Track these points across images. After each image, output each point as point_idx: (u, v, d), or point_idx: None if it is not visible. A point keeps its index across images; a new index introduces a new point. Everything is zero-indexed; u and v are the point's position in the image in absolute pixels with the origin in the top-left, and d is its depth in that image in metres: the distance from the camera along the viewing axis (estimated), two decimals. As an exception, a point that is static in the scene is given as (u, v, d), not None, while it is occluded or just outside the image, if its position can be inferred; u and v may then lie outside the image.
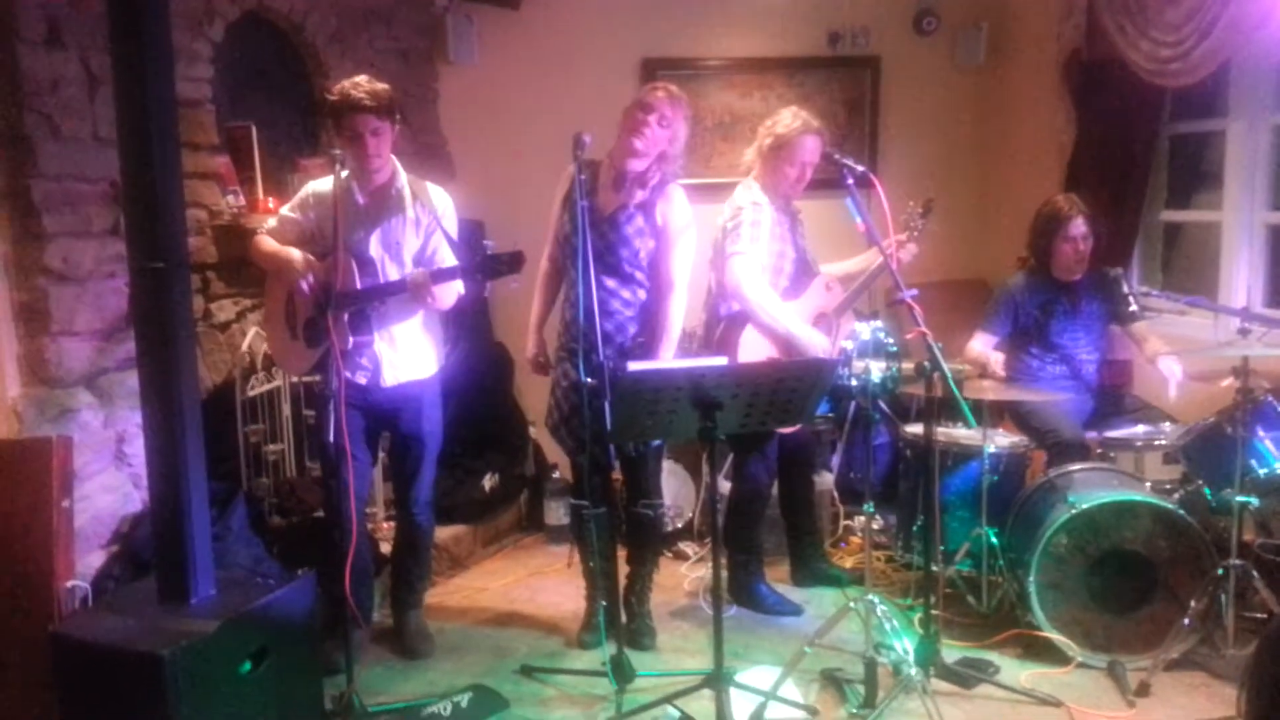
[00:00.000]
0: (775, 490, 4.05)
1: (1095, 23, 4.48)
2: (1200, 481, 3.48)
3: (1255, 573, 3.24)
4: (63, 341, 3.10)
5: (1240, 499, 3.23)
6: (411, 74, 4.89)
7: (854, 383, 3.39)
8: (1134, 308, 3.84)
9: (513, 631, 3.74)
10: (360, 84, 3.23)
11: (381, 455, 3.85)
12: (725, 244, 3.66)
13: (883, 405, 3.90)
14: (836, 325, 3.78)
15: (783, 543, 4.18)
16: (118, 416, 3.26)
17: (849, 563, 4.28)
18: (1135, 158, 4.51)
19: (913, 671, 3.06)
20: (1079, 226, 4.00)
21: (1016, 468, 3.82)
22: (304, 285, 3.26)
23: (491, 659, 3.51)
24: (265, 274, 3.51)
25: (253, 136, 3.84)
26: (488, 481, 4.52)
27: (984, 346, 4.04)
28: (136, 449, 3.21)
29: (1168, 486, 3.61)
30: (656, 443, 3.56)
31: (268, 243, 3.39)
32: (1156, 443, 3.72)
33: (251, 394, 3.86)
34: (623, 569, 3.63)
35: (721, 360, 3.41)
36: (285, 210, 3.47)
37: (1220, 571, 3.21)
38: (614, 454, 3.46)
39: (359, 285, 3.25)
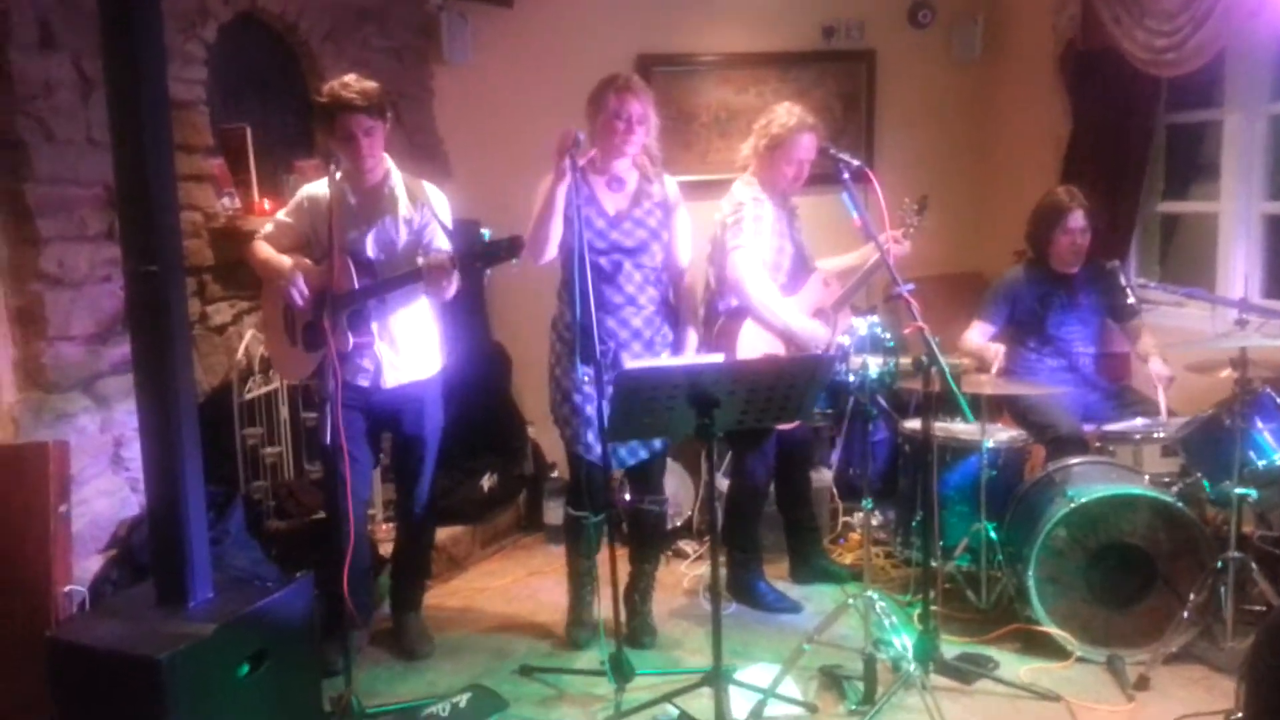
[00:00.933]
0: (773, 487, 4.05)
1: (1090, 13, 4.48)
2: (1199, 474, 3.47)
3: (1254, 565, 3.23)
4: (59, 346, 3.10)
5: (1239, 491, 3.22)
6: (406, 73, 4.88)
7: (852, 378, 3.38)
8: (1131, 300, 3.83)
9: (512, 632, 3.73)
10: (349, 84, 3.21)
11: (381, 456, 3.85)
12: (726, 239, 3.66)
13: (881, 401, 3.89)
14: (834, 321, 3.77)
15: (782, 540, 4.18)
16: (115, 420, 3.26)
17: (848, 559, 4.28)
18: (1132, 149, 4.51)
19: (912, 667, 3.06)
20: (1078, 219, 4.00)
21: (1015, 462, 3.82)
22: (295, 296, 3.25)
23: (490, 659, 3.51)
24: (262, 278, 3.51)
25: (247, 138, 3.84)
26: (486, 482, 4.52)
27: (981, 337, 4.05)
28: (134, 453, 3.21)
29: (1166, 480, 3.60)
30: (659, 442, 3.55)
31: (263, 249, 3.39)
32: (1155, 436, 3.72)
33: (249, 396, 3.86)
34: (622, 567, 3.62)
35: (719, 357, 3.40)
36: (281, 215, 3.47)
37: (1219, 564, 3.21)
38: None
39: (356, 286, 3.24)
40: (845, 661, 3.29)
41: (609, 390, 3.24)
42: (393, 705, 3.14)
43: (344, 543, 3.02)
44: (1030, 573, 3.32)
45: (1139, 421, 3.82)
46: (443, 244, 3.31)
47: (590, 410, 3.33)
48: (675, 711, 3.00)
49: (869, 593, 3.19)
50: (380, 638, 3.61)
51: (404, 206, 3.37)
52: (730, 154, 3.94)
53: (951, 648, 3.37)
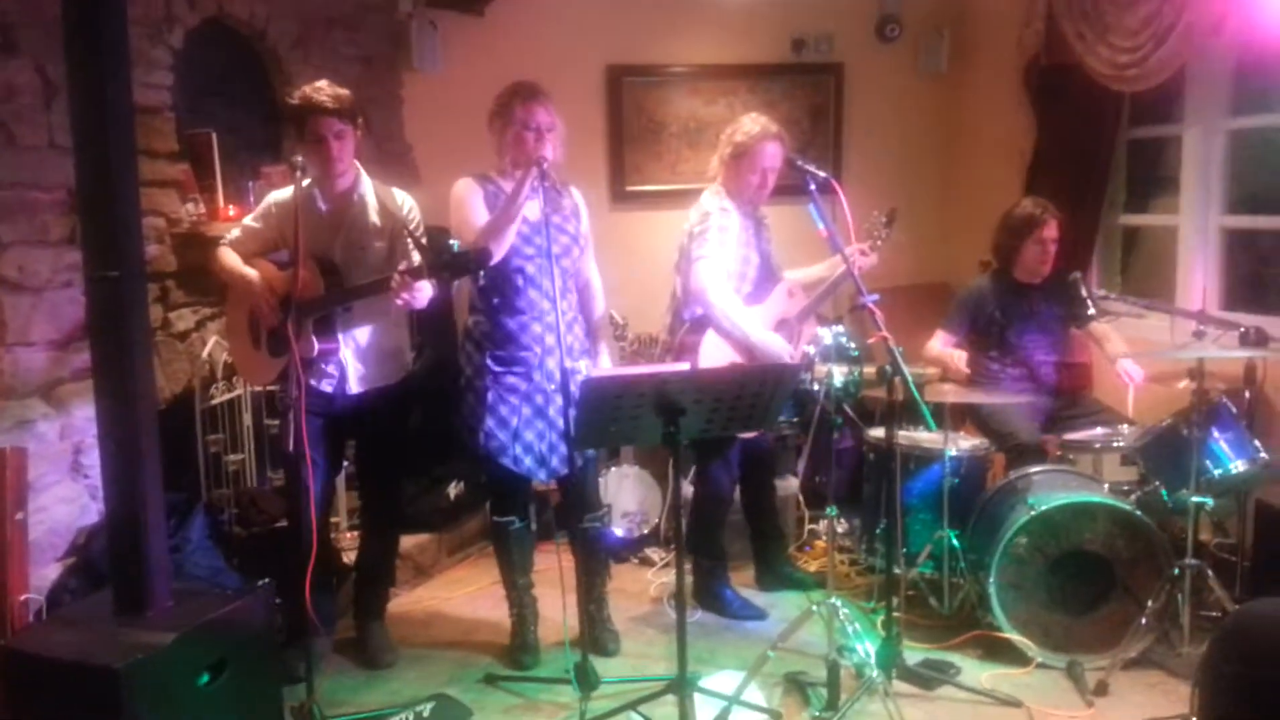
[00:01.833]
0: (740, 495, 4.06)
1: (1055, 29, 4.55)
2: (1157, 483, 3.52)
3: (1210, 572, 3.28)
4: (18, 352, 3.06)
5: (1196, 500, 3.28)
6: (375, 81, 4.87)
7: (816, 387, 3.40)
8: (1091, 311, 3.89)
9: (477, 640, 3.72)
10: (322, 88, 3.22)
11: (345, 464, 3.83)
12: (691, 248, 3.68)
13: (846, 409, 3.92)
14: (799, 331, 3.80)
15: (748, 547, 4.20)
16: (74, 427, 3.23)
17: (814, 566, 4.30)
18: (1094, 162, 4.58)
19: (875, 674, 3.08)
20: (1052, 230, 4.05)
21: (977, 470, 3.85)
22: (267, 311, 3.27)
23: (455, 668, 3.50)
24: (226, 285, 3.49)
25: (213, 144, 3.81)
26: (452, 490, 4.51)
27: (943, 345, 4.09)
28: (93, 460, 3.18)
29: (1125, 488, 3.65)
30: (591, 453, 3.54)
31: (229, 257, 3.38)
32: (1114, 444, 3.77)
33: (211, 403, 3.83)
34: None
35: (684, 366, 3.42)
36: (248, 220, 3.46)
37: (1176, 571, 3.25)
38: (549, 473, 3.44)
39: (323, 292, 3.23)
40: (809, 668, 3.30)
41: (551, 398, 3.31)
42: (355, 715, 3.13)
43: (306, 550, 2.99)
44: (992, 579, 3.36)
45: (1099, 430, 3.88)
46: (413, 254, 3.30)
47: (517, 422, 3.34)
48: (640, 719, 3.01)
49: (833, 600, 3.21)
50: (343, 646, 3.59)
51: (373, 213, 3.36)
52: (699, 164, 3.97)
53: (914, 654, 3.39)
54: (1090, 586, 3.38)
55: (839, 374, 3.37)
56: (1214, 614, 3.35)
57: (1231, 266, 4.28)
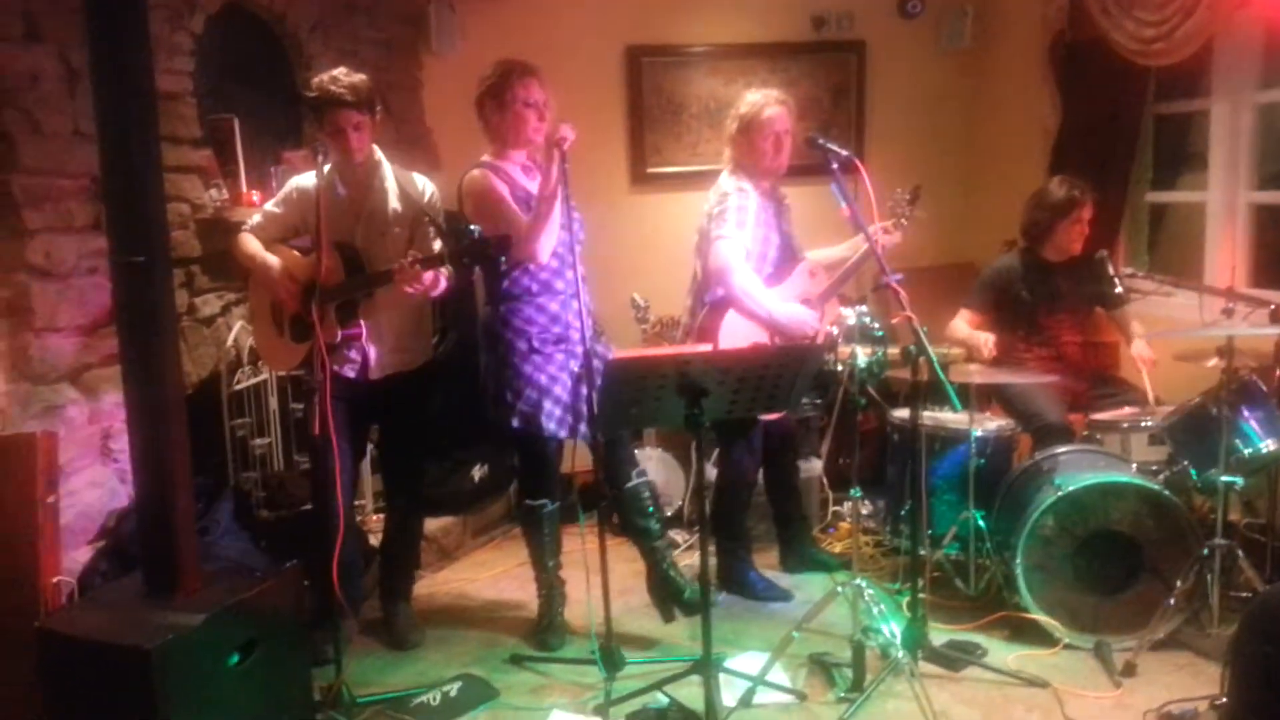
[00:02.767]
0: (763, 477, 4.06)
1: (1079, 4, 4.49)
2: (1186, 462, 3.48)
3: (1240, 552, 3.25)
4: (46, 337, 3.10)
5: (1225, 479, 3.24)
6: (394, 64, 4.87)
7: (840, 368, 3.39)
8: (1119, 289, 3.85)
9: (502, 621, 3.74)
10: (339, 78, 3.21)
11: (370, 448, 3.85)
12: (710, 229, 3.67)
13: (870, 390, 3.90)
14: (821, 311, 3.78)
15: (772, 529, 4.19)
16: (103, 412, 3.26)
17: (838, 548, 4.29)
18: (1120, 139, 4.52)
19: (900, 655, 3.08)
20: (1088, 210, 4.01)
21: (1003, 451, 3.83)
22: (287, 297, 3.28)
23: (481, 649, 3.52)
24: (247, 271, 3.51)
25: (235, 129, 3.83)
26: (477, 472, 4.52)
27: (968, 325, 4.05)
28: (122, 444, 3.20)
29: (1154, 468, 3.62)
30: None
31: (250, 243, 3.39)
32: (1142, 424, 3.73)
33: (238, 388, 3.86)
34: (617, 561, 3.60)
35: (707, 347, 3.41)
36: (269, 206, 3.47)
37: (1205, 551, 3.23)
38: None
39: (344, 277, 3.24)
40: (834, 649, 3.30)
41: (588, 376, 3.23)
42: (383, 694, 3.15)
43: (333, 533, 3.02)
44: (1018, 560, 3.34)
45: (1126, 410, 3.84)
46: (434, 242, 3.30)
47: (559, 390, 3.34)
48: (665, 700, 3.02)
49: (858, 581, 3.20)
50: (370, 628, 3.62)
51: (394, 199, 3.37)
52: (719, 145, 3.94)
53: (940, 635, 3.39)
54: (1118, 567, 3.36)
55: (863, 355, 3.35)
56: (1244, 595, 3.31)
57: (1261, 243, 4.22)
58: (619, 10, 5.24)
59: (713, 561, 3.79)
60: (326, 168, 3.20)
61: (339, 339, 3.23)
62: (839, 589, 3.29)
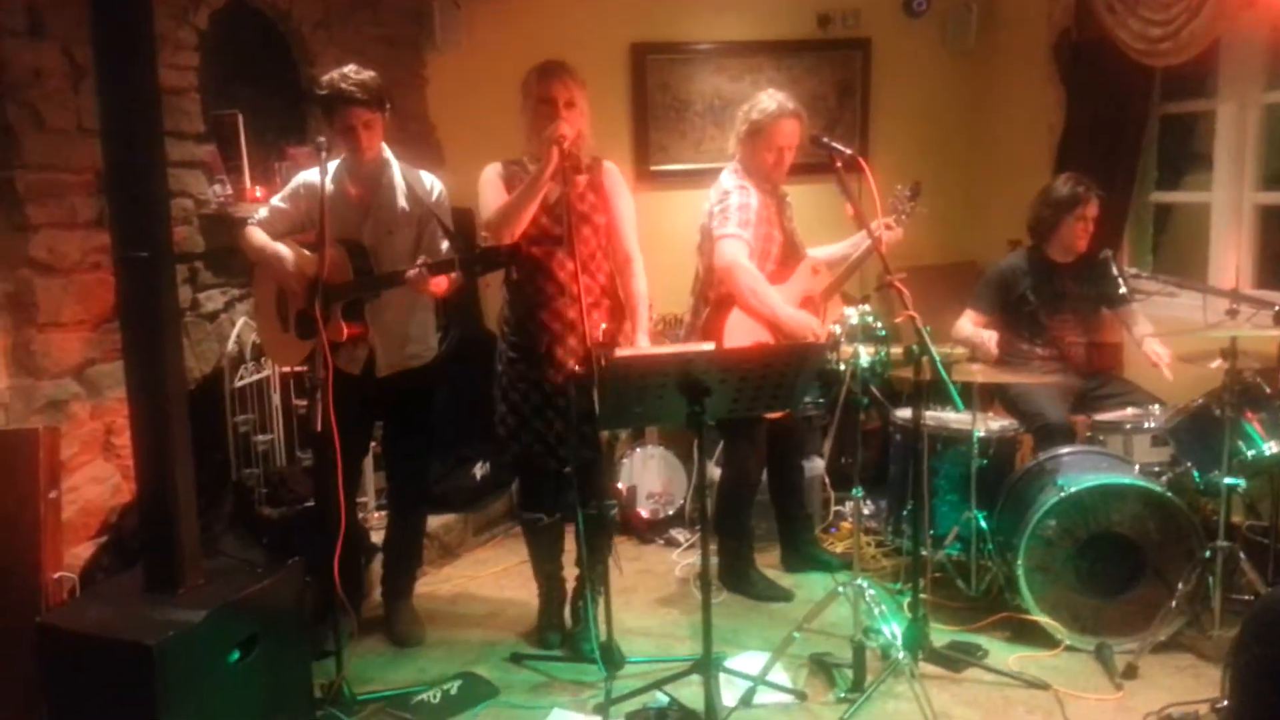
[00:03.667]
0: (766, 476, 4.05)
1: (1085, 3, 4.47)
2: (1188, 464, 3.48)
3: (1242, 555, 3.24)
4: (49, 333, 3.10)
5: (1228, 481, 3.23)
6: (399, 61, 4.87)
7: (843, 367, 3.38)
8: (1123, 289, 3.84)
9: (503, 619, 3.74)
10: (349, 75, 3.20)
11: (373, 445, 3.85)
12: (713, 227, 3.66)
13: (873, 389, 3.89)
14: (824, 309, 3.78)
15: (774, 528, 4.19)
16: (106, 408, 3.27)
17: (840, 548, 4.29)
18: (1125, 139, 4.51)
19: (901, 655, 3.07)
20: (1094, 208, 4.00)
21: (1006, 451, 3.82)
22: (295, 289, 3.26)
23: (482, 647, 3.52)
24: (254, 265, 3.50)
25: (239, 124, 3.83)
26: (479, 470, 4.53)
27: (972, 325, 4.05)
28: (125, 440, 3.21)
29: (1156, 469, 3.61)
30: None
31: (257, 235, 3.37)
32: (1145, 425, 3.73)
33: (240, 384, 3.86)
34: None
35: (709, 345, 3.40)
36: (276, 200, 3.45)
37: (1208, 554, 3.22)
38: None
39: (352, 276, 3.23)
40: (835, 649, 3.30)
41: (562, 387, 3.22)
42: (384, 692, 3.15)
43: (335, 530, 3.02)
44: (1020, 561, 3.33)
45: (1129, 411, 3.83)
46: (441, 241, 3.29)
47: (526, 410, 3.32)
48: (665, 699, 3.02)
49: (859, 581, 3.20)
50: (371, 625, 3.62)
51: (401, 197, 3.36)
52: (724, 142, 3.93)
53: (941, 636, 3.38)
54: (1120, 569, 3.35)
55: (865, 354, 3.34)
56: (1246, 597, 3.30)
57: (1265, 244, 4.20)
58: (624, 7, 5.23)
59: (714, 560, 3.79)
60: (332, 165, 3.20)
61: (344, 337, 3.22)
62: (840, 589, 3.28)
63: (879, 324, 3.41)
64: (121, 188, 2.60)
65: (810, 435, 4.52)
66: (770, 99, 3.70)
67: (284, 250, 3.32)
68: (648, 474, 4.55)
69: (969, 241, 5.49)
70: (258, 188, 3.84)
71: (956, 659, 3.25)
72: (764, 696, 3.09)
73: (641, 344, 3.30)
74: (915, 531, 3.43)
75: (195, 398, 3.29)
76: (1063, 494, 3.31)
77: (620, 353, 3.24)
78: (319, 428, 2.99)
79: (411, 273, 3.12)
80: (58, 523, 2.88)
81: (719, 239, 3.62)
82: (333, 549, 2.98)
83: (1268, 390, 3.42)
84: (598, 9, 5.19)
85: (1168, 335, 3.89)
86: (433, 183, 3.44)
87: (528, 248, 3.24)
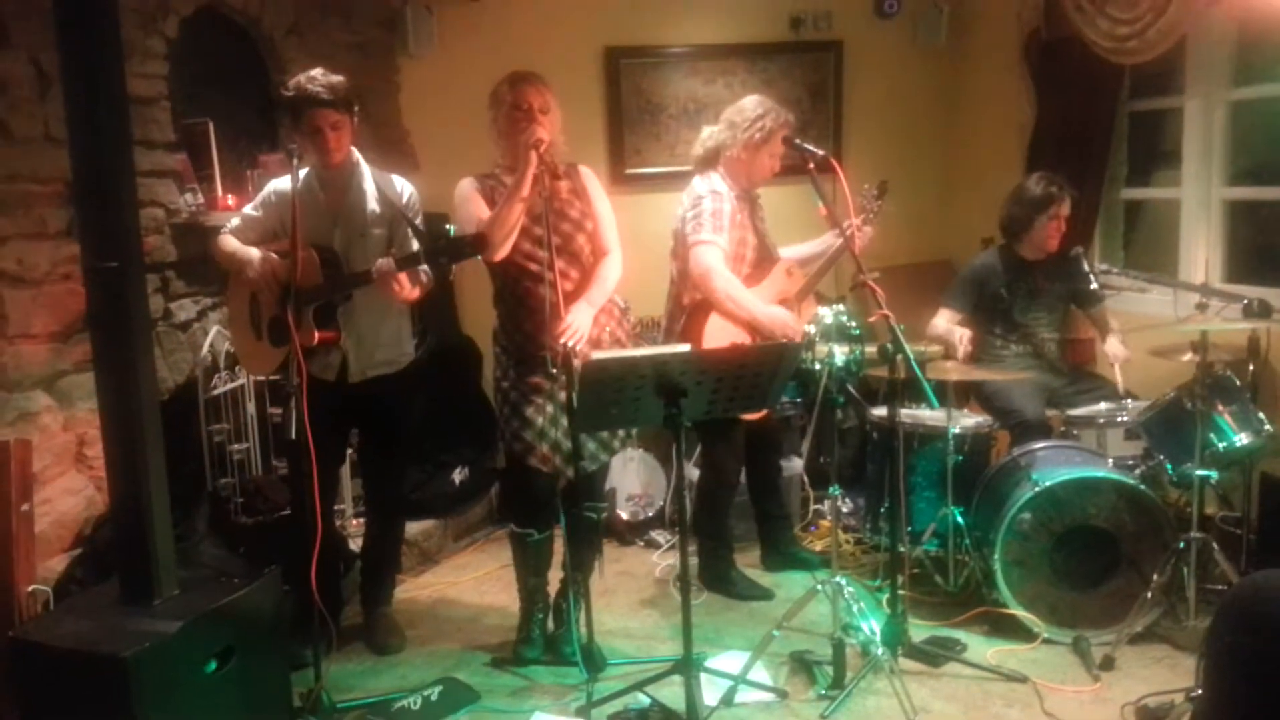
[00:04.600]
0: (744, 476, 4.06)
1: (1054, 2, 4.52)
2: (1161, 457, 3.52)
3: (1215, 545, 3.28)
4: (20, 344, 3.08)
5: (1200, 473, 3.27)
6: (371, 67, 4.85)
7: (818, 366, 3.40)
8: (1094, 286, 3.88)
9: (484, 625, 3.73)
10: (316, 77, 3.19)
11: (349, 452, 3.84)
12: (687, 233, 3.67)
13: (850, 388, 3.91)
14: (799, 309, 3.79)
15: (753, 528, 4.20)
16: (78, 419, 3.24)
17: (819, 546, 4.30)
18: (1095, 136, 4.56)
19: (880, 652, 3.09)
20: (1066, 207, 4.04)
21: (981, 447, 3.85)
22: (268, 294, 3.23)
23: (462, 652, 3.51)
24: (227, 273, 3.48)
25: (210, 133, 3.81)
26: (458, 475, 4.51)
27: (947, 323, 4.07)
28: (98, 451, 3.16)
29: (1130, 462, 3.65)
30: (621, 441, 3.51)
31: (229, 242, 3.35)
32: (1118, 419, 3.77)
33: (214, 393, 3.84)
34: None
35: (685, 347, 3.40)
36: (248, 209, 3.44)
37: (1181, 545, 3.25)
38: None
39: (322, 280, 3.22)
40: (815, 647, 3.31)
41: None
42: (363, 700, 3.14)
43: (312, 538, 3.00)
44: (996, 556, 3.36)
45: (1103, 406, 3.87)
46: (412, 244, 3.28)
47: (542, 421, 3.26)
48: (647, 700, 3.02)
49: (838, 578, 3.21)
50: (351, 633, 3.60)
51: (372, 200, 3.35)
52: (695, 145, 3.94)
53: (920, 631, 3.40)
54: (1095, 561, 3.38)
55: (840, 353, 3.37)
56: (1220, 587, 3.33)
57: (1234, 238, 4.26)
58: (597, 11, 5.24)
59: (693, 561, 3.80)
60: (303, 171, 3.18)
61: (315, 342, 3.20)
62: (819, 587, 3.29)
63: (853, 323, 3.44)
64: (90, 198, 2.58)
65: (788, 435, 4.54)
66: (762, 106, 3.72)
67: (255, 252, 3.31)
68: (627, 476, 4.56)
69: (942, 240, 5.53)
70: (230, 196, 3.82)
71: (935, 654, 3.27)
72: (745, 695, 3.10)
73: (579, 312, 3.21)
74: (893, 528, 3.44)
75: (169, 408, 3.26)
76: (1038, 488, 3.34)
77: (596, 355, 3.24)
78: (294, 436, 2.99)
79: (376, 266, 3.10)
80: (30, 536, 2.84)
81: (693, 245, 3.63)
82: (310, 557, 2.97)
83: (1238, 383, 3.46)
84: (571, 14, 5.20)
85: (1139, 330, 3.93)
86: (403, 186, 3.43)
87: (526, 260, 3.23)
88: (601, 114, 5.33)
